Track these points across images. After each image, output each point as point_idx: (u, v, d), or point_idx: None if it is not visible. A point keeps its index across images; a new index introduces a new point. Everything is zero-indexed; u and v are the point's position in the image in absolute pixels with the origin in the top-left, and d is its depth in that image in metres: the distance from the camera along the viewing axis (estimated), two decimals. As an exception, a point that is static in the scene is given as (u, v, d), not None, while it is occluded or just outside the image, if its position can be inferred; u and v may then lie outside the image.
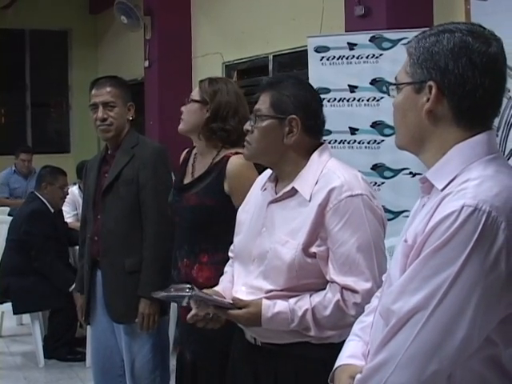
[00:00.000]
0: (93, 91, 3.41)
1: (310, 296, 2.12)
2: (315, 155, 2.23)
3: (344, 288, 2.08)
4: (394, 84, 1.60)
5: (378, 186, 5.05)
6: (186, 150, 3.14)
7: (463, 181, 1.45)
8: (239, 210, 2.48)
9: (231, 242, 2.47)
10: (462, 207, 1.38)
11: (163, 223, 3.26)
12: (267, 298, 2.16)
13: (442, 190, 1.48)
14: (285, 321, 2.13)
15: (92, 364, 3.66)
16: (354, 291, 2.07)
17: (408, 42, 1.60)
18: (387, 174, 5.03)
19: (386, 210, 4.93)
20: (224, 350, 2.59)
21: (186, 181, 3.01)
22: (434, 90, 1.50)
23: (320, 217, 2.11)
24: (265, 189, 2.34)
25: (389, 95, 1.64)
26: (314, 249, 2.11)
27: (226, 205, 2.80)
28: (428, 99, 1.51)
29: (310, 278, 2.14)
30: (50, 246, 5.31)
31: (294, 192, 2.20)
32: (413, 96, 1.54)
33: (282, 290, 2.16)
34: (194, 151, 3.08)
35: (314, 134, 2.26)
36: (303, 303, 2.12)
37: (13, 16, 10.67)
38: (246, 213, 2.40)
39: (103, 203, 3.38)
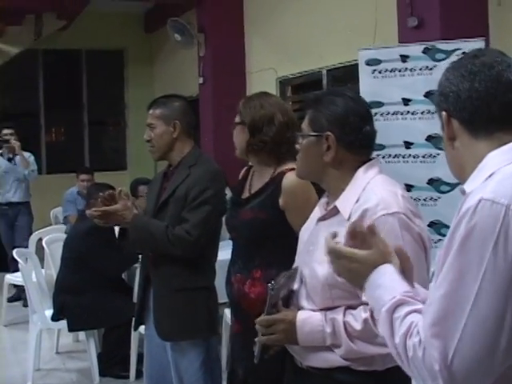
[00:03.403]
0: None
1: (345, 309, 2.09)
2: (360, 172, 2.16)
3: None
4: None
5: (434, 200, 4.95)
6: (246, 168, 3.16)
7: (486, 180, 1.42)
8: (302, 227, 2.44)
9: (285, 259, 2.44)
10: (480, 201, 1.34)
11: (189, 238, 3.24)
12: None
13: None
14: (318, 322, 2.11)
15: (145, 379, 3.65)
16: None
17: None
18: (444, 188, 4.92)
19: (443, 225, 4.82)
20: (276, 369, 2.55)
21: (244, 197, 3.03)
22: (444, 116, 1.55)
23: None
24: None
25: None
26: None
27: (280, 220, 2.80)
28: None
29: (346, 300, 2.08)
30: (112, 254, 5.35)
31: (336, 210, 2.15)
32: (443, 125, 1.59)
33: (319, 311, 2.13)
34: (253, 168, 3.09)
35: (355, 150, 2.18)
36: (336, 314, 2.09)
37: (70, 37, 10.89)
38: (305, 230, 2.36)
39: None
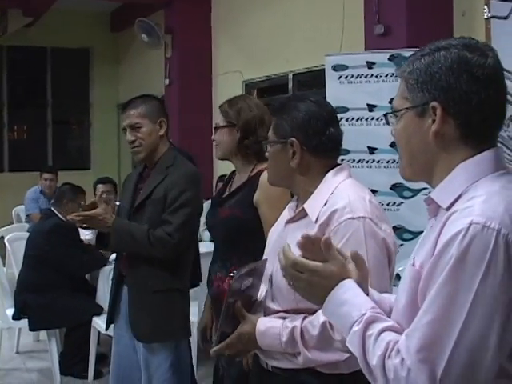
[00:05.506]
0: (123, 115, 3.43)
1: (305, 317, 2.07)
2: (329, 175, 2.17)
3: None
4: (394, 112, 1.55)
5: (397, 205, 5.01)
6: (232, 170, 3.17)
7: (469, 198, 1.39)
8: (271, 229, 2.45)
9: (260, 257, 2.46)
10: (470, 225, 1.32)
11: (171, 241, 3.22)
12: None
13: (448, 209, 1.43)
14: (276, 336, 2.09)
15: (111, 378, 3.62)
16: None
17: (399, 67, 1.55)
18: (406, 193, 4.99)
19: (405, 230, 4.89)
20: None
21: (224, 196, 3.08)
22: (438, 111, 1.44)
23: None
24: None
25: (388, 124, 1.58)
26: None
27: (254, 218, 2.84)
28: (433, 121, 1.45)
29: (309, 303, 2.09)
30: (76, 253, 5.32)
31: (304, 213, 2.16)
32: (416, 120, 1.49)
33: (284, 312, 2.13)
34: (236, 170, 3.13)
35: (322, 153, 2.18)
36: (295, 321, 2.07)
37: (35, 34, 10.79)
38: (274, 232, 2.37)
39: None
